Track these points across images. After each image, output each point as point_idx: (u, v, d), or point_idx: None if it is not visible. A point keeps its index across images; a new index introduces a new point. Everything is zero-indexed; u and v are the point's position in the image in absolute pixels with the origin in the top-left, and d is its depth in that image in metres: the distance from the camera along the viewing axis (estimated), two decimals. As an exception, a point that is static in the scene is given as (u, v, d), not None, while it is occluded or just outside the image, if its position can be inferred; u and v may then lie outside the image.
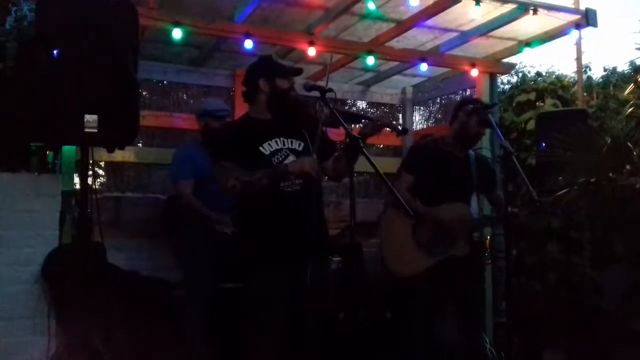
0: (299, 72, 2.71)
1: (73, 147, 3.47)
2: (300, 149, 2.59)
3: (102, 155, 3.42)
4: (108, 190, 4.72)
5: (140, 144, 4.87)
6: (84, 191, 2.76)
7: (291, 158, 2.55)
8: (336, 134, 2.66)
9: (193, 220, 3.67)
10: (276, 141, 2.57)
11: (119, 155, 4.42)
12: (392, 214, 3.30)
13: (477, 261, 3.49)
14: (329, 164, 2.61)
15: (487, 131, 4.65)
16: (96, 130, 2.51)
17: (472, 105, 3.38)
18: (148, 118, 4.67)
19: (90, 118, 2.51)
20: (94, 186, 2.94)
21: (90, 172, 2.77)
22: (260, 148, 2.53)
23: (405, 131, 2.86)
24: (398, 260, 3.24)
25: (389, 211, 3.33)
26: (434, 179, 3.12)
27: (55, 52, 2.48)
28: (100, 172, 4.79)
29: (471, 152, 3.46)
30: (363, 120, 2.56)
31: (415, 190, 3.28)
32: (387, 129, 2.54)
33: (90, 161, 2.74)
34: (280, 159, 2.54)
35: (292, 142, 2.59)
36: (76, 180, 3.60)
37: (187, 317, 3.62)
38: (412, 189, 3.27)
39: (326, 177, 2.77)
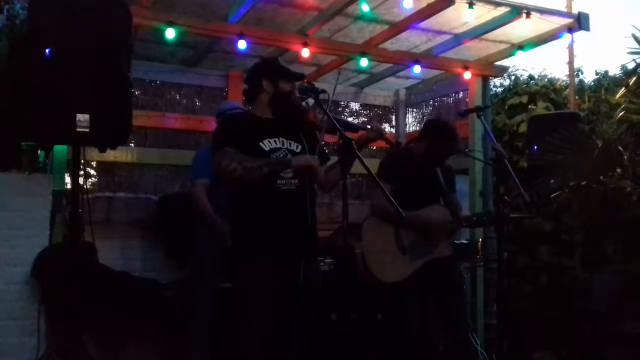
0: (302, 77, 2.75)
1: (64, 147, 3.45)
2: (298, 151, 2.62)
3: (93, 154, 3.40)
4: (99, 190, 4.69)
5: (132, 144, 4.85)
6: (75, 191, 2.74)
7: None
8: (330, 137, 2.67)
9: (204, 221, 3.66)
10: (275, 140, 2.59)
11: (110, 155, 4.39)
12: (373, 222, 3.34)
13: (456, 262, 3.60)
14: (322, 172, 2.63)
15: (480, 133, 4.72)
16: (88, 130, 2.50)
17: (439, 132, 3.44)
18: (140, 118, 4.66)
19: (82, 117, 2.49)
20: (85, 186, 2.92)
21: (81, 172, 2.75)
22: (261, 144, 2.55)
23: (398, 145, 2.91)
24: (383, 267, 3.28)
25: (369, 220, 3.37)
26: (411, 186, 3.17)
27: (47, 50, 2.47)
28: (92, 171, 4.76)
29: None
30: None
31: (394, 198, 3.32)
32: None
33: (82, 161, 2.72)
34: (279, 157, 2.55)
35: (290, 143, 2.62)
36: (67, 179, 3.58)
37: (193, 317, 3.61)
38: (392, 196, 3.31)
39: (316, 185, 2.78)
